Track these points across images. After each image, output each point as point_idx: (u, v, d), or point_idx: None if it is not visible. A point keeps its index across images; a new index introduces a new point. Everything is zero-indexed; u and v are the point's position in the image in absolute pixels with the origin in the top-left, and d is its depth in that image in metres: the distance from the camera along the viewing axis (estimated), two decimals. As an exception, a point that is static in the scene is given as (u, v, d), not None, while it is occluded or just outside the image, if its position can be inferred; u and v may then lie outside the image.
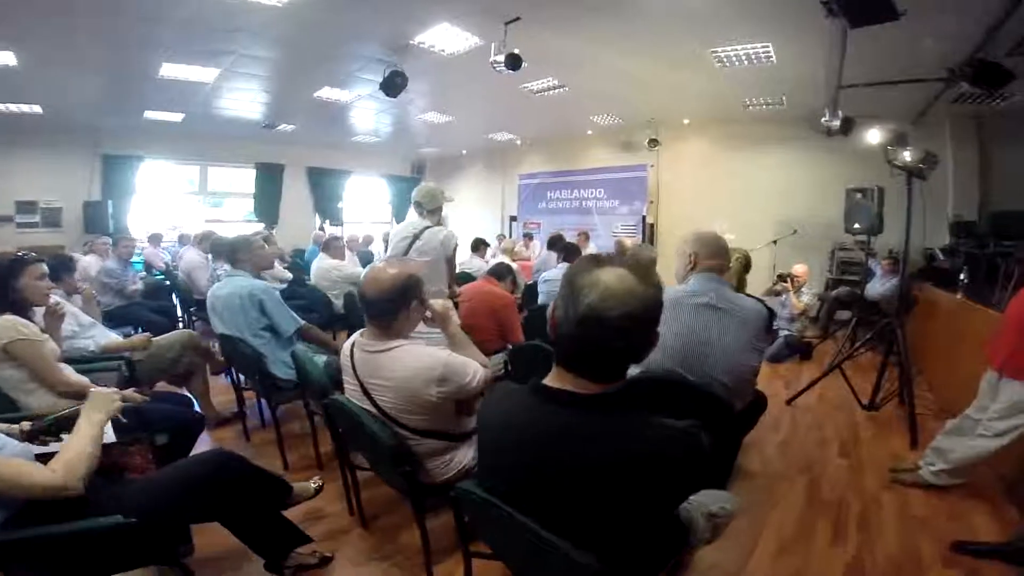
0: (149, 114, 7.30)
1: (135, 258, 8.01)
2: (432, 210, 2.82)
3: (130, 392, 2.32)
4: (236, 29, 4.27)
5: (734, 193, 7.87)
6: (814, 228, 6.81)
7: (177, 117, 7.54)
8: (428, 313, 1.73)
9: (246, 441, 3.04)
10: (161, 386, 3.10)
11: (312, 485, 2.26)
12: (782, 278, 5.27)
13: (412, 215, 3.05)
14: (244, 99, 6.75)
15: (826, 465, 2.88)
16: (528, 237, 8.83)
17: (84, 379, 2.35)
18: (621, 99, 6.61)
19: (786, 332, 5.15)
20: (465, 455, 1.69)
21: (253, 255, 2.95)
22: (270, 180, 10.22)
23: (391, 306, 1.57)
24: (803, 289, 5.20)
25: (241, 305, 2.77)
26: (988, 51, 3.92)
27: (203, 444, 2.98)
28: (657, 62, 5.03)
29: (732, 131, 7.72)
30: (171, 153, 8.98)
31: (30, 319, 2.19)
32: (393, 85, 4.99)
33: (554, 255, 5.43)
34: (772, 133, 7.31)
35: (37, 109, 6.66)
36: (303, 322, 2.93)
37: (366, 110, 7.38)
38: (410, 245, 2.74)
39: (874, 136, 3.91)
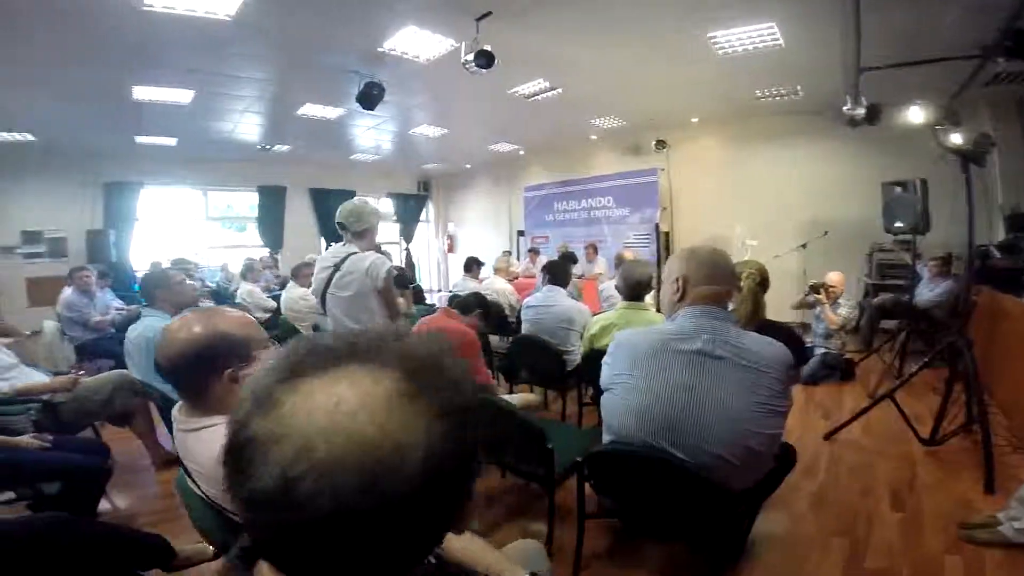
0: (141, 139, 7.19)
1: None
2: (359, 232, 2.35)
3: (26, 439, 2.18)
4: (194, 46, 4.01)
5: (754, 194, 7.27)
6: (847, 229, 6.15)
7: (171, 141, 7.41)
8: None
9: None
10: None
11: (210, 548, 1.95)
12: (815, 289, 4.61)
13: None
14: (232, 120, 6.56)
15: (874, 521, 2.26)
16: (534, 252, 8.37)
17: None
18: (621, 99, 6.14)
19: (823, 350, 4.50)
20: None
21: (171, 292, 2.58)
22: (272, 203, 10.07)
23: (189, 375, 1.11)
24: (840, 300, 4.52)
25: (147, 348, 2.44)
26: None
27: (148, 487, 2.76)
28: (652, 54, 4.57)
29: (746, 127, 7.16)
30: (170, 178, 8.87)
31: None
32: (369, 97, 4.69)
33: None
34: (791, 126, 6.72)
35: (29, 137, 6.59)
36: None
37: (357, 126, 7.12)
38: (331, 277, 2.29)
39: (916, 116, 3.33)
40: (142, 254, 8.64)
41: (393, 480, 0.36)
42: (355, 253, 2.27)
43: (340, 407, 0.37)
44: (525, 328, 3.47)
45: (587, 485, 1.62)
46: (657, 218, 7.98)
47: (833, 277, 4.59)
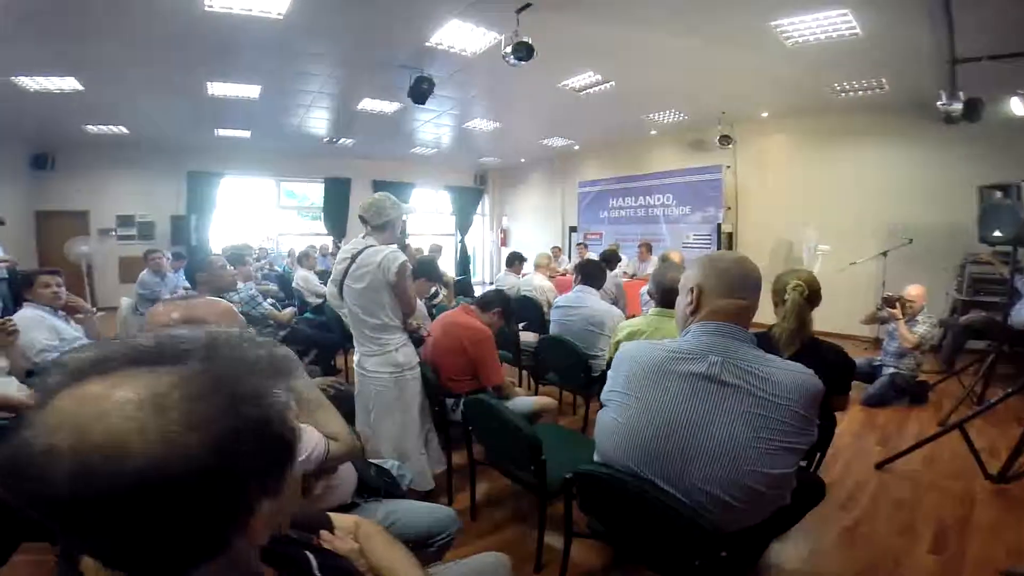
0: (220, 132, 7.74)
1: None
2: (379, 225, 2.29)
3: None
4: (253, 44, 4.21)
5: (830, 196, 6.69)
6: (935, 237, 5.53)
7: (245, 134, 7.93)
8: None
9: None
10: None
11: None
12: (888, 302, 4.12)
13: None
14: (299, 115, 6.90)
15: (905, 563, 2.00)
16: (583, 247, 8.20)
17: (17, 393, 2.26)
18: (681, 92, 5.83)
19: (892, 369, 4.04)
20: None
21: (212, 276, 2.72)
22: (338, 193, 10.53)
23: None
24: (918, 317, 4.03)
25: None
26: None
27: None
28: (712, 45, 4.28)
29: (823, 123, 6.58)
30: (246, 169, 9.50)
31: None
32: (420, 92, 4.77)
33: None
34: (875, 123, 6.08)
35: (124, 130, 7.29)
36: None
37: (415, 121, 7.26)
38: (347, 269, 2.29)
39: (1018, 107, 2.86)
40: (221, 239, 9.34)
41: (111, 478, 0.37)
42: (371, 246, 2.26)
43: (91, 405, 0.40)
44: (552, 328, 3.38)
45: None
46: (720, 218, 7.59)
47: (912, 291, 4.10)
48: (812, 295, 2.07)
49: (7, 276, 5.67)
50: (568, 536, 1.57)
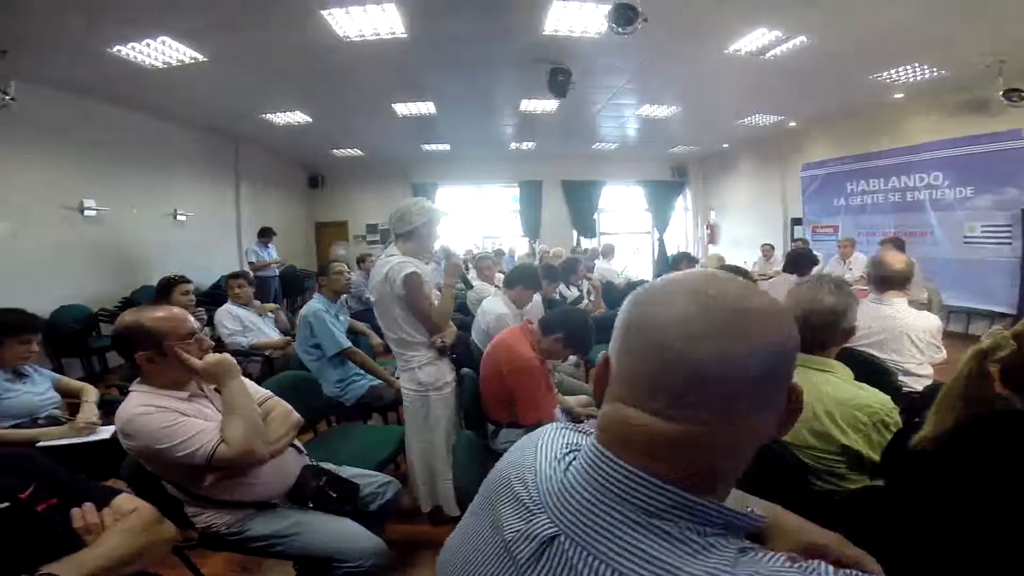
0: (425, 147, 8.83)
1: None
2: (403, 234, 2.11)
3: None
4: (398, 65, 4.55)
5: None
6: None
7: (446, 147, 8.86)
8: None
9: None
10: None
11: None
12: None
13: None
14: (477, 123, 7.28)
15: None
16: (770, 248, 6.72)
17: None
18: (921, 39, 4.08)
19: None
20: (214, 519, 1.45)
21: (331, 280, 3.09)
22: (531, 196, 10.92)
23: (119, 350, 1.52)
24: None
25: (300, 323, 2.97)
26: None
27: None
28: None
29: None
30: (453, 178, 10.63)
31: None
32: (558, 84, 4.54)
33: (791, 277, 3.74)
34: None
35: (359, 152, 8.95)
36: (348, 344, 2.89)
37: (581, 116, 6.92)
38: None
39: None
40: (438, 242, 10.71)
41: None
42: (389, 257, 2.15)
43: None
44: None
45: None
46: (1026, 202, 5.25)
47: None
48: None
49: (278, 274, 7.66)
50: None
